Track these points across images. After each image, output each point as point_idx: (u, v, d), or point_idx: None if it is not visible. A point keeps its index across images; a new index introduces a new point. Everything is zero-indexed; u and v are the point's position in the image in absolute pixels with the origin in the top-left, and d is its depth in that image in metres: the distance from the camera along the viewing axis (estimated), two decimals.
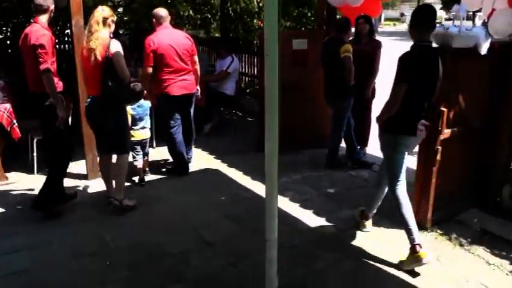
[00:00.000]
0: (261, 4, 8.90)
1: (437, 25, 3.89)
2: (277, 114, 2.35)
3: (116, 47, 3.85)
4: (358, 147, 5.47)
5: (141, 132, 4.87)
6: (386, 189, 3.59)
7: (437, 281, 3.16)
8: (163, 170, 5.25)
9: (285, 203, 4.31)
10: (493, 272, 3.29)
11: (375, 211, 3.80)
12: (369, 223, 3.86)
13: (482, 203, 4.13)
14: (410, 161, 4.80)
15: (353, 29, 5.24)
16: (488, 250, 3.54)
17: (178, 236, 3.75)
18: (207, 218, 4.07)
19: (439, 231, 3.81)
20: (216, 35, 10.29)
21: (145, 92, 4.48)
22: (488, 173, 4.16)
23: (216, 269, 3.29)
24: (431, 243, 3.65)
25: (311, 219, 4.06)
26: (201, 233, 3.79)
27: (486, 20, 4.14)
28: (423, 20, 3.18)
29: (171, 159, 5.23)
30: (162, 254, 3.48)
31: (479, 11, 4.36)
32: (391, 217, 3.96)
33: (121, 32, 8.94)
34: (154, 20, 4.77)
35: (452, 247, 3.60)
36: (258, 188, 4.58)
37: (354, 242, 3.68)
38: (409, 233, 3.29)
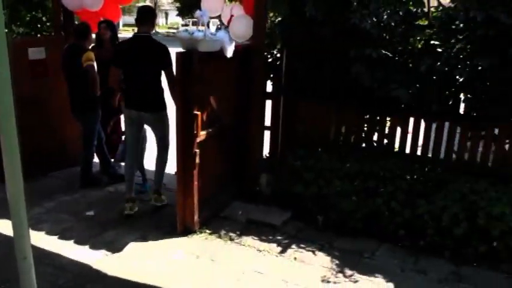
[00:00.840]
0: None
1: (181, 30, 4.04)
2: (16, 134, 1.94)
3: None
4: (112, 160, 5.13)
5: None
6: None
7: (215, 281, 3.18)
8: None
9: (41, 239, 3.67)
10: (264, 257, 3.50)
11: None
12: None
13: (244, 195, 4.37)
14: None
15: (93, 35, 4.90)
16: (256, 238, 3.76)
17: None
18: None
19: (207, 231, 3.87)
20: None
21: None
22: (245, 165, 4.42)
23: None
24: (202, 244, 3.67)
25: (74, 250, 3.59)
26: None
27: (219, 25, 4.43)
28: (142, 16, 4.00)
29: None
30: None
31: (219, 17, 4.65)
32: (159, 227, 3.92)
33: None
34: None
35: (223, 243, 3.70)
36: (3, 227, 3.78)
37: (123, 264, 3.39)
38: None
